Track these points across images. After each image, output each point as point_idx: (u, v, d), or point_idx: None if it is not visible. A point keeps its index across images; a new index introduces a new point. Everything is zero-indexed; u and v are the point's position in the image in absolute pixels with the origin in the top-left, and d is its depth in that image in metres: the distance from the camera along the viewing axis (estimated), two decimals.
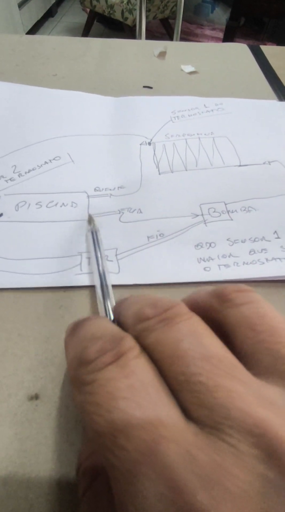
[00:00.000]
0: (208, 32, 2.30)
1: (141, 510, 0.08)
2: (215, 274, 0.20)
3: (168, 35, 2.05)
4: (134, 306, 0.12)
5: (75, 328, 0.12)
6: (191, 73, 0.39)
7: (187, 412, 0.09)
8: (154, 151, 0.27)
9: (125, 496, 0.08)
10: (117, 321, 0.13)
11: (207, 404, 0.09)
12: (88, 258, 0.20)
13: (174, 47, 0.44)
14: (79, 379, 0.10)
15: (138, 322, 0.11)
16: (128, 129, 0.29)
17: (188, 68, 0.39)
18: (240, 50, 0.45)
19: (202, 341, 0.10)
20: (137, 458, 0.08)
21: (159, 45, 0.43)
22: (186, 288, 0.20)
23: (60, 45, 0.43)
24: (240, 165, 0.26)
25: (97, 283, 0.17)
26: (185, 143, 0.28)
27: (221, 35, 2.14)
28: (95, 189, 0.24)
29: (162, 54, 0.42)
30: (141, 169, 0.26)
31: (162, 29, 2.11)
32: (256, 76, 0.39)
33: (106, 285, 0.17)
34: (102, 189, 0.24)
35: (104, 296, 0.16)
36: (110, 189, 0.24)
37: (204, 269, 0.20)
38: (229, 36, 1.99)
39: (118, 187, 0.24)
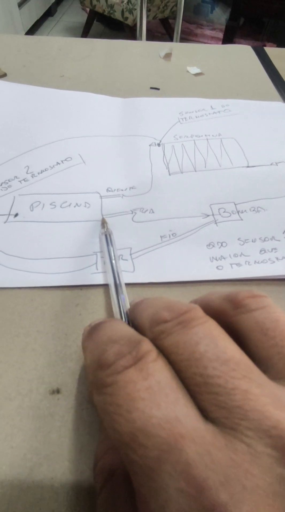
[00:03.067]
0: (207, 32, 2.30)
1: (163, 504, 0.08)
2: (227, 272, 0.20)
3: (168, 35, 2.05)
4: (150, 309, 0.12)
5: (92, 332, 0.12)
6: (196, 74, 0.39)
7: (204, 413, 0.09)
8: (164, 152, 0.28)
9: (147, 491, 0.09)
10: (132, 324, 0.13)
11: (225, 405, 0.09)
12: (102, 258, 0.21)
13: (178, 48, 0.44)
14: (99, 381, 0.10)
15: (155, 325, 0.11)
16: (137, 130, 0.30)
17: (194, 70, 0.40)
18: (244, 52, 0.45)
19: (219, 344, 0.10)
20: (158, 455, 0.09)
21: (164, 46, 0.44)
22: (199, 287, 0.20)
23: (66, 46, 0.43)
24: (248, 166, 0.27)
25: (111, 286, 0.18)
26: (193, 144, 0.29)
27: (220, 35, 2.15)
28: (107, 190, 0.25)
29: (168, 56, 0.43)
30: (151, 169, 0.26)
31: (162, 29, 2.11)
32: (260, 77, 0.40)
33: (120, 287, 0.17)
34: (114, 189, 0.25)
35: (119, 299, 0.16)
36: (122, 190, 0.25)
37: (217, 267, 0.21)
38: (228, 36, 1.99)
39: (130, 188, 0.25)
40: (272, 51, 0.45)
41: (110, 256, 0.19)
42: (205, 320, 0.11)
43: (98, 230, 0.22)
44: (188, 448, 0.09)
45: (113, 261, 0.19)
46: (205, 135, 0.30)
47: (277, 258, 0.21)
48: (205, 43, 2.21)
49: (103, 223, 0.21)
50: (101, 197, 0.24)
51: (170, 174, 0.26)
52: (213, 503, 0.08)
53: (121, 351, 0.11)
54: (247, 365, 0.10)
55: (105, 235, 0.20)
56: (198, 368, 0.10)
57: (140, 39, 1.32)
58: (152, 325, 0.11)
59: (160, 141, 0.29)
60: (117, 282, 0.17)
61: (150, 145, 0.28)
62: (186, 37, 2.22)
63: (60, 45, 0.43)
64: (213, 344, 0.10)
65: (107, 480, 0.11)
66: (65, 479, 0.14)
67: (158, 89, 0.36)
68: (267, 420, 0.09)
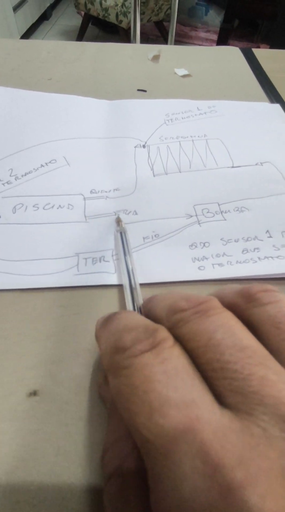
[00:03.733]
0: (202, 34, 2.32)
1: (178, 483, 0.08)
2: (209, 273, 0.20)
3: (163, 37, 2.06)
4: (167, 300, 0.13)
5: (107, 321, 0.13)
6: (184, 76, 0.40)
7: (220, 399, 0.10)
8: (148, 154, 0.28)
9: (161, 469, 0.09)
10: (147, 317, 0.14)
11: (241, 390, 0.09)
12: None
13: (168, 50, 0.45)
14: (116, 364, 0.11)
15: (172, 313, 0.12)
16: (123, 132, 0.30)
17: (181, 72, 0.40)
18: (232, 54, 0.45)
19: (236, 332, 0.11)
20: (173, 434, 0.09)
21: (153, 48, 0.44)
22: (182, 287, 0.20)
23: (55, 49, 0.43)
24: (233, 167, 0.27)
25: (125, 282, 0.18)
26: (179, 146, 0.29)
27: (215, 37, 2.16)
28: (91, 191, 0.25)
29: (156, 58, 0.43)
30: (136, 171, 0.26)
31: (157, 32, 2.12)
32: (248, 79, 0.40)
33: (135, 284, 0.17)
34: (98, 191, 0.25)
35: (133, 294, 0.17)
36: (106, 191, 0.25)
37: (199, 268, 0.21)
38: (223, 38, 2.01)
39: (114, 189, 0.25)
40: (260, 53, 0.46)
41: (125, 253, 0.19)
42: (222, 310, 0.11)
43: (81, 230, 0.22)
44: (204, 430, 0.09)
45: (128, 258, 0.19)
46: (191, 136, 0.30)
47: (259, 258, 0.21)
48: (199, 45, 2.23)
49: (119, 221, 0.21)
50: (85, 198, 0.24)
51: (154, 176, 0.26)
52: (229, 482, 0.08)
53: (139, 337, 0.11)
54: (264, 353, 0.10)
55: (120, 233, 0.21)
56: (215, 354, 0.10)
57: (135, 42, 1.33)
58: (169, 314, 0.12)
59: (145, 142, 0.29)
60: (132, 278, 0.18)
61: (135, 147, 0.29)
62: (181, 39, 2.24)
63: (50, 49, 0.44)
64: (230, 332, 0.10)
65: (116, 469, 0.11)
66: (42, 483, 0.14)
67: (145, 91, 0.36)
68: (283, 405, 0.09)
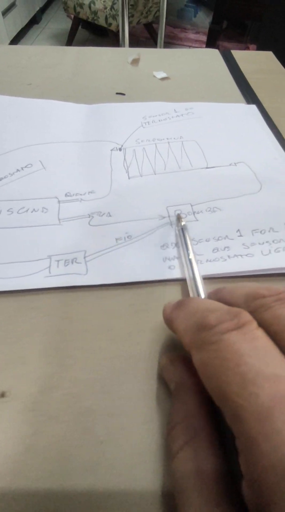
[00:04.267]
0: (192, 35, 2.34)
1: (276, 445, 0.09)
2: (178, 272, 0.21)
3: (153, 39, 2.07)
4: (243, 289, 0.14)
5: (180, 305, 0.14)
6: (163, 79, 0.40)
7: None
8: (124, 157, 0.28)
9: (258, 434, 0.09)
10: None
11: None
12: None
13: (148, 53, 0.45)
14: (202, 340, 0.12)
15: (252, 299, 0.13)
16: (100, 135, 0.30)
17: (160, 74, 0.40)
18: (212, 56, 0.46)
19: None
20: (268, 403, 0.10)
21: (133, 52, 0.45)
22: (152, 287, 0.21)
23: (36, 55, 0.44)
24: (207, 167, 0.28)
25: (189, 274, 0.19)
26: (155, 148, 0.29)
27: (204, 38, 2.17)
28: (66, 195, 0.25)
29: (135, 61, 0.43)
30: (111, 174, 0.27)
31: (147, 34, 2.13)
32: (226, 80, 0.41)
33: (197, 278, 0.18)
34: (73, 194, 0.25)
35: (197, 288, 0.18)
36: (81, 194, 0.25)
37: (169, 267, 0.21)
38: (212, 39, 2.02)
39: (88, 192, 0.25)
40: (239, 54, 0.46)
41: (186, 248, 0.20)
42: None
43: (55, 232, 0.22)
44: None
45: (190, 252, 0.20)
46: (167, 138, 0.30)
47: (229, 256, 0.22)
48: (189, 46, 2.24)
49: (179, 218, 0.23)
50: (59, 202, 0.25)
51: (129, 178, 0.27)
52: None
53: (223, 318, 0.12)
54: None
55: (181, 229, 0.22)
56: None
57: (124, 44, 1.34)
58: (248, 300, 0.13)
59: (122, 145, 0.29)
60: (195, 270, 0.19)
61: (111, 150, 0.29)
62: (170, 41, 2.25)
63: (31, 54, 0.44)
64: None
65: (188, 441, 0.12)
66: (10, 481, 0.14)
67: (123, 94, 0.37)
68: None
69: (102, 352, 0.18)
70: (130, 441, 0.15)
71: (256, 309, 0.12)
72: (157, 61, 0.44)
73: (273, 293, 0.13)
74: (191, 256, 0.20)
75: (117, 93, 0.37)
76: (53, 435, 0.15)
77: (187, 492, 0.11)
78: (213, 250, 0.22)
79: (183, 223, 0.22)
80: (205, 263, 0.21)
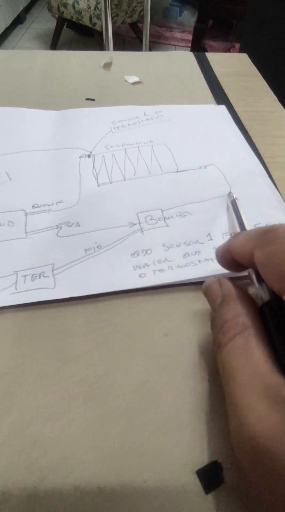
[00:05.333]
0: (177, 34, 2.33)
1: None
2: (150, 279, 0.21)
3: (138, 39, 2.06)
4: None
5: (239, 233, 0.17)
6: (134, 83, 0.40)
7: None
8: (93, 163, 0.28)
9: None
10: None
11: None
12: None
13: (120, 57, 0.45)
14: (267, 238, 0.14)
15: None
16: (69, 142, 0.30)
17: (132, 79, 0.40)
18: (186, 58, 0.46)
19: None
20: None
21: (106, 56, 0.44)
22: (122, 298, 0.20)
23: (6, 59, 0.43)
24: (177, 171, 0.27)
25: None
26: (124, 153, 0.29)
27: (190, 37, 2.17)
28: (33, 206, 0.24)
29: (107, 65, 0.43)
30: (80, 182, 0.26)
31: (132, 34, 2.12)
32: (198, 83, 0.41)
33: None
34: (41, 205, 0.25)
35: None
36: (48, 205, 0.25)
37: (140, 276, 0.21)
38: (197, 38, 2.01)
39: (56, 202, 0.25)
40: (214, 57, 0.46)
41: (241, 220, 0.22)
42: None
43: (22, 246, 0.22)
44: None
45: (244, 223, 0.22)
46: (136, 143, 0.30)
47: (199, 261, 0.21)
48: (175, 45, 2.25)
49: (230, 194, 0.25)
50: (26, 214, 0.24)
51: (98, 185, 0.26)
52: None
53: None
54: None
55: (232, 202, 0.24)
56: None
57: (107, 44, 1.32)
58: None
59: (91, 152, 0.29)
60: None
61: (80, 157, 0.28)
62: (156, 40, 2.24)
63: (1, 59, 0.43)
64: None
65: (240, 332, 0.14)
66: None
67: (93, 99, 0.36)
68: None
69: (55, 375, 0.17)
70: (74, 474, 0.14)
71: None
72: (130, 65, 0.43)
73: None
74: (243, 221, 0.22)
75: (87, 99, 0.36)
76: None
77: (237, 371, 0.13)
78: (184, 255, 0.22)
79: (233, 196, 0.25)
80: (176, 269, 0.21)
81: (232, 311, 0.15)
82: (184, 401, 0.17)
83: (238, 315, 0.14)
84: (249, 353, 0.13)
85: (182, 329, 0.19)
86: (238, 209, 0.23)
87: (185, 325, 0.19)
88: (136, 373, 0.17)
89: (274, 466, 0.10)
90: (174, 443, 0.15)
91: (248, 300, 0.15)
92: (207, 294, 0.17)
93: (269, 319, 0.14)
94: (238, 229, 0.22)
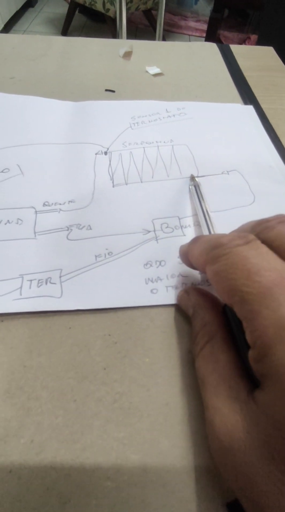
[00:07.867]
0: (192, 23, 2.27)
1: (276, 308, 0.11)
2: (161, 297, 0.19)
3: (152, 26, 2.00)
4: (250, 222, 0.16)
5: (196, 239, 0.17)
6: (156, 75, 0.38)
7: None
8: (110, 161, 0.26)
9: (259, 306, 0.12)
10: None
11: None
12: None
13: (140, 46, 0.43)
14: (216, 255, 0.14)
15: (258, 225, 0.15)
16: (85, 137, 0.28)
17: (153, 70, 0.38)
18: (209, 50, 0.43)
19: None
20: (269, 284, 0.12)
21: (125, 44, 0.42)
22: (131, 312, 0.19)
23: (20, 44, 0.41)
24: (197, 176, 0.26)
25: (202, 223, 0.21)
26: (143, 152, 0.27)
27: (205, 27, 2.10)
28: (44, 204, 0.23)
29: (128, 54, 0.41)
30: (94, 181, 0.25)
31: (146, 21, 2.06)
32: (223, 77, 0.38)
33: (210, 221, 0.21)
34: (52, 203, 0.23)
35: (209, 228, 0.20)
36: (60, 204, 0.23)
37: (151, 291, 0.19)
38: (212, 28, 1.95)
39: (68, 201, 0.23)
40: (238, 49, 0.44)
41: (202, 207, 0.22)
42: None
43: (29, 248, 0.21)
44: None
45: (203, 203, 0.22)
46: (156, 142, 0.28)
47: None
48: (189, 35, 2.18)
49: (192, 178, 0.25)
50: (36, 212, 0.23)
51: (113, 186, 0.25)
52: None
53: (233, 237, 0.14)
54: None
55: (195, 187, 0.24)
56: None
57: (121, 31, 1.29)
58: (255, 226, 0.15)
59: (107, 149, 0.27)
60: (207, 219, 0.21)
61: (96, 154, 0.27)
62: (170, 29, 2.18)
63: (15, 44, 0.41)
64: None
65: (208, 341, 0.15)
66: None
67: (113, 91, 0.35)
68: None
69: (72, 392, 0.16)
70: (94, 499, 0.14)
71: (262, 231, 0.14)
72: (151, 54, 0.41)
73: (276, 217, 0.15)
74: (204, 207, 0.22)
75: (106, 90, 0.34)
76: (10, 493, 0.14)
77: (207, 377, 0.14)
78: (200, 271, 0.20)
79: (195, 180, 0.24)
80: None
81: (200, 321, 0.16)
82: None
83: (206, 324, 0.16)
84: (215, 359, 0.14)
85: None
86: (201, 195, 0.23)
87: None
88: (159, 393, 0.16)
89: (235, 463, 0.11)
90: (203, 473, 0.14)
91: (214, 304, 0.17)
92: (180, 305, 0.19)
93: (230, 318, 0.15)
94: (201, 216, 0.22)
